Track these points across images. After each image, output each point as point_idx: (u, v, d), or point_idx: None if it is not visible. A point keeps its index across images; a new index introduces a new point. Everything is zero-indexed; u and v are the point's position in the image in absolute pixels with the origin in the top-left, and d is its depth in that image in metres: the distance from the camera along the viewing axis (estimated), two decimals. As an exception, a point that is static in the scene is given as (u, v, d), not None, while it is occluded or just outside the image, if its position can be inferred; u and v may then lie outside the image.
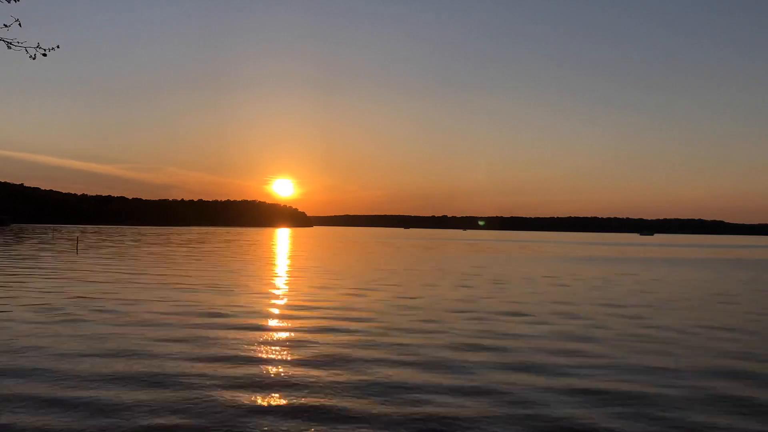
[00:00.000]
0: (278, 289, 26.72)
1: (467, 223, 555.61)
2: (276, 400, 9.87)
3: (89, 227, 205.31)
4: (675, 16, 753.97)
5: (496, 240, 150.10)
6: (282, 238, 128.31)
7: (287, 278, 32.26)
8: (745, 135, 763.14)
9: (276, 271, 36.72)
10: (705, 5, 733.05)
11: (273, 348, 13.91)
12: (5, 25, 8.84)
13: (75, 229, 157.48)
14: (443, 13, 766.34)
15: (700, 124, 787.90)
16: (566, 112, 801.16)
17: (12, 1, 9.35)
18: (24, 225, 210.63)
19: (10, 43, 9.21)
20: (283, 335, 15.57)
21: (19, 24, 8.96)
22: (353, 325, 17.00)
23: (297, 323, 17.30)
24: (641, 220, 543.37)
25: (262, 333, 15.75)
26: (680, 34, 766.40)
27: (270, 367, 12.01)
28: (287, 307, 20.83)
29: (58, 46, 9.71)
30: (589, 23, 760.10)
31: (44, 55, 9.57)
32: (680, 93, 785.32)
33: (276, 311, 19.76)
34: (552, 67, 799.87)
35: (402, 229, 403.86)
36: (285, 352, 13.46)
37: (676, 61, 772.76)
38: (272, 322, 17.50)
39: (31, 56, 9.46)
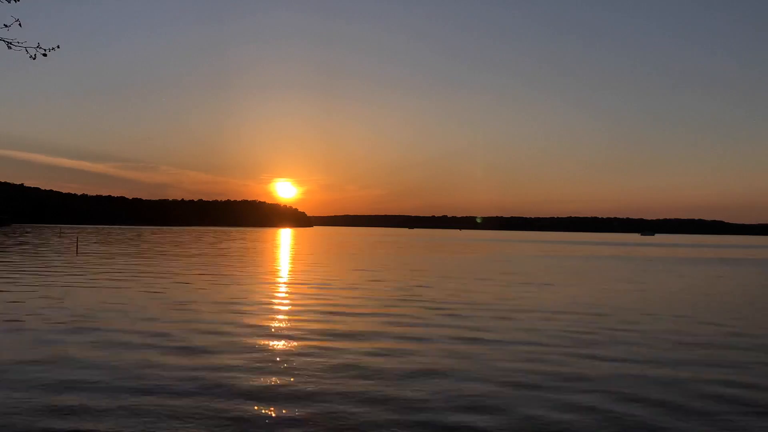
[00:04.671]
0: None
1: (467, 222, 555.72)
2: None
3: (89, 227, 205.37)
4: (677, 18, 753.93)
5: (508, 240, 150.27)
6: (305, 240, 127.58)
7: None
8: (745, 135, 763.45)
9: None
10: (706, 6, 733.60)
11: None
12: (5, 25, 8.81)
13: (79, 229, 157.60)
14: (442, 13, 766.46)
15: (700, 124, 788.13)
16: (566, 112, 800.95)
17: (12, 1, 9.32)
18: (24, 225, 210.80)
19: (10, 43, 9.18)
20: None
21: (19, 24, 8.93)
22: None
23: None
24: (641, 220, 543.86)
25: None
26: (680, 36, 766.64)
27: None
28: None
29: (58, 46, 9.67)
30: (592, 21, 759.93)
31: (44, 55, 9.53)
32: (681, 93, 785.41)
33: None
34: (552, 68, 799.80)
35: (407, 229, 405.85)
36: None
37: (677, 62, 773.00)
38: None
39: (31, 56, 9.42)
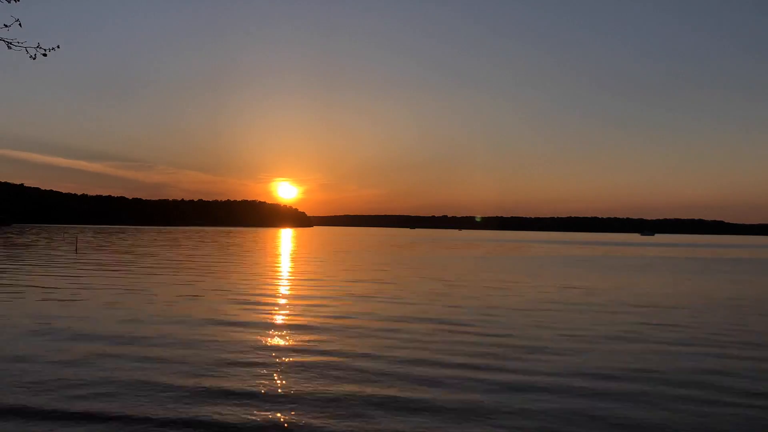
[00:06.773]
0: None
1: (467, 222, 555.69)
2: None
3: (90, 227, 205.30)
4: (684, 17, 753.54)
5: (508, 240, 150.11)
6: (321, 240, 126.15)
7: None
8: (745, 135, 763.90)
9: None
10: (713, 3, 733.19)
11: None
12: (5, 25, 8.78)
13: (83, 229, 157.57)
14: (442, 13, 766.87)
15: (700, 124, 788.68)
16: (566, 112, 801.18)
17: (12, 1, 9.30)
18: (24, 225, 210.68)
19: (11, 43, 9.15)
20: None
21: (20, 24, 8.91)
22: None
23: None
24: (641, 220, 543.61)
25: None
26: (680, 37, 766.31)
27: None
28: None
29: (58, 46, 9.64)
30: (590, 24, 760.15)
31: (44, 55, 9.50)
32: (680, 93, 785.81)
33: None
34: (552, 69, 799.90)
35: (408, 229, 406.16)
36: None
37: (677, 63, 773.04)
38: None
39: (31, 56, 9.40)
